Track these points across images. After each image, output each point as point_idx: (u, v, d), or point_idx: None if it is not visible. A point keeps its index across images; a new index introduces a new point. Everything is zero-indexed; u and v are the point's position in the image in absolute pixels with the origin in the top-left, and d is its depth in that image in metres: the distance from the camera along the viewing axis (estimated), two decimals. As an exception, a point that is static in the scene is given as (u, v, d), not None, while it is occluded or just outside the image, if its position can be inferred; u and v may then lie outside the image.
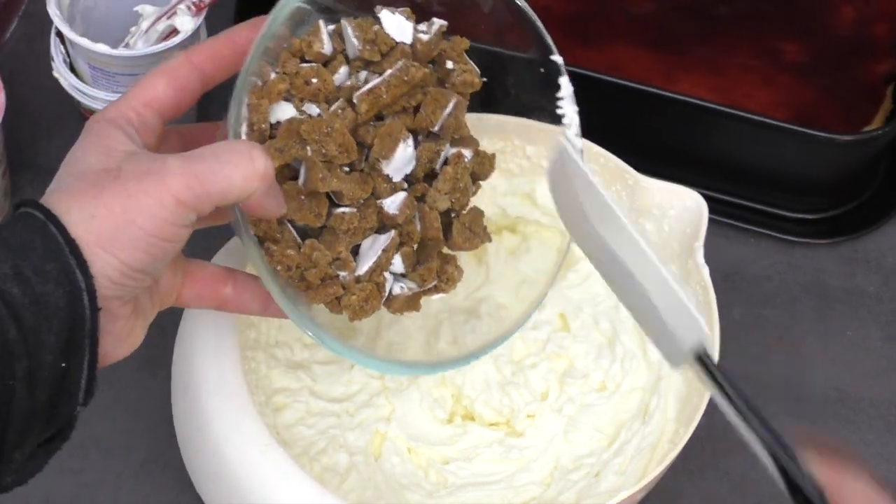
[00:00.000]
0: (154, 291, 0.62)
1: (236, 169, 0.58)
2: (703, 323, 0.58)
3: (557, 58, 0.68)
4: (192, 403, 0.71)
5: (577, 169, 0.62)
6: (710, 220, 0.78)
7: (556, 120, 0.69)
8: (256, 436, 0.69)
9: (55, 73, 0.87)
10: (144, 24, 0.86)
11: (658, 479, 0.71)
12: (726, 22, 0.96)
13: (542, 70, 0.68)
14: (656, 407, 0.77)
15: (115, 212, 0.55)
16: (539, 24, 0.67)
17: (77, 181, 0.57)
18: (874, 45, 0.95)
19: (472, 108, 0.68)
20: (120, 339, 0.59)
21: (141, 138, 0.61)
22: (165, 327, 0.84)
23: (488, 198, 0.81)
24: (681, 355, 0.58)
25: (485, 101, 0.70)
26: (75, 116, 0.91)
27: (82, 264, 0.55)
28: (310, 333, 0.66)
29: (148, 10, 0.87)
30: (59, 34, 0.87)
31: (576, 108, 0.68)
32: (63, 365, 0.55)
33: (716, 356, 0.72)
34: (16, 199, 0.91)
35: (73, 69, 0.88)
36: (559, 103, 0.68)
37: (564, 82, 0.68)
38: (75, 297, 0.54)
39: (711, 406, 0.71)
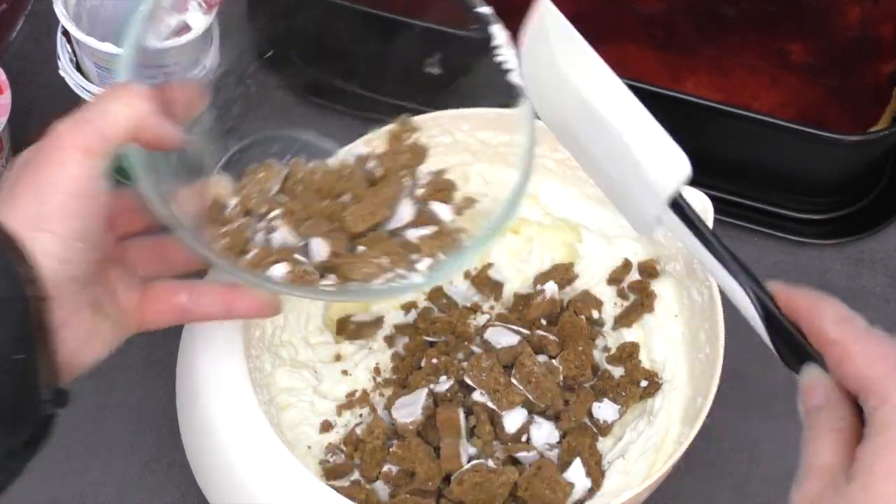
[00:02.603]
0: (113, 300, 0.63)
1: (119, 101, 0.59)
2: (685, 156, 0.57)
3: (483, 9, 0.66)
4: (196, 403, 0.71)
5: (556, 18, 0.62)
6: (716, 220, 0.78)
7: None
8: (260, 435, 0.69)
9: (61, 72, 0.87)
10: (151, 24, 0.86)
11: (663, 479, 0.71)
12: (733, 22, 0.96)
13: (482, 35, 0.66)
14: (661, 407, 0.77)
15: (31, 188, 0.57)
16: None
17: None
18: (881, 46, 0.95)
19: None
20: (83, 338, 0.60)
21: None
22: (170, 327, 0.84)
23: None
24: (656, 207, 0.58)
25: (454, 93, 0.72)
26: (81, 116, 0.91)
27: (20, 255, 0.55)
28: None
29: (154, 10, 0.87)
30: (66, 33, 0.87)
31: (514, 51, 0.65)
32: (21, 357, 0.55)
33: (720, 354, 0.72)
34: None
35: (79, 68, 0.88)
36: (497, 52, 0.66)
37: (497, 30, 0.66)
38: (19, 288, 0.55)
39: (715, 406, 0.71)
